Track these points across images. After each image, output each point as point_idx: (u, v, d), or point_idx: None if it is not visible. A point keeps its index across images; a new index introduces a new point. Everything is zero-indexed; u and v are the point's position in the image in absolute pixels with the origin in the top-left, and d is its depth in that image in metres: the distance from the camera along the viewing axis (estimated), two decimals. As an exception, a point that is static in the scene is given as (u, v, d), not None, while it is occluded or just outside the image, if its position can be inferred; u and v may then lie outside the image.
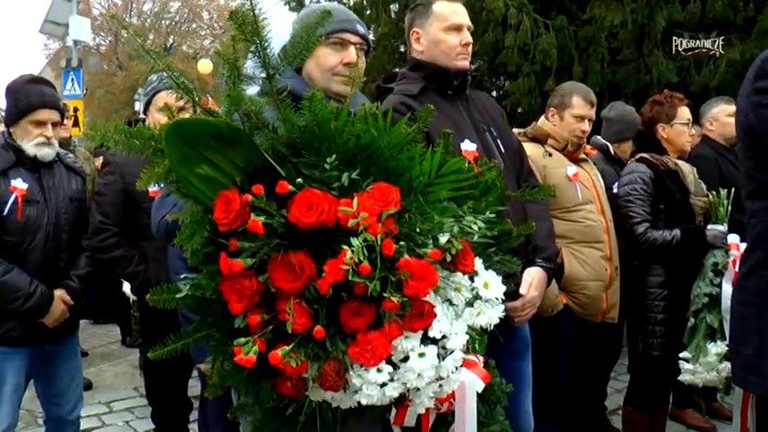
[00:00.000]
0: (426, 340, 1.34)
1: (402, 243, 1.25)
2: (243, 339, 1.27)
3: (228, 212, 1.21)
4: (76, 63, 11.23)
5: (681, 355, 3.01)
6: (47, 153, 2.69)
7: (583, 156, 3.15)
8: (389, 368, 1.30)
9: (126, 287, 4.06)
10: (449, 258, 1.33)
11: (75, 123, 9.52)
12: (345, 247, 1.19)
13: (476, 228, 1.39)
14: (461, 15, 2.28)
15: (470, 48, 2.29)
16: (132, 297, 4.65)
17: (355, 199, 1.23)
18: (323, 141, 1.32)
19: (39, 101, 2.66)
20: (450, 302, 1.41)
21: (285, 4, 8.88)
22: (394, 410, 1.46)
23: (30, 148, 2.65)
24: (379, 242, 1.21)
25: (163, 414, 3.14)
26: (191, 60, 30.17)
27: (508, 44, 6.44)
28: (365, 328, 1.26)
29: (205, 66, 19.60)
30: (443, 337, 1.35)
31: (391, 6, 8.40)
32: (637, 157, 3.29)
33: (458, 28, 2.25)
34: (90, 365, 5.27)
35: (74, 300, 2.70)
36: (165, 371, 2.80)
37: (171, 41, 33.72)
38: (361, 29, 1.80)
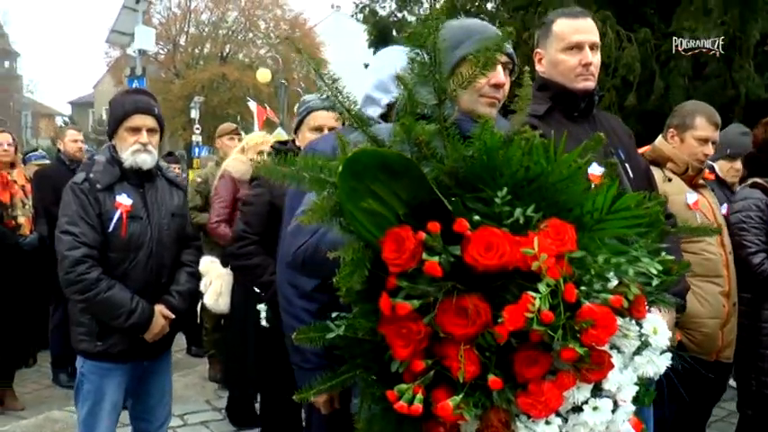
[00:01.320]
0: (596, 391, 1.24)
1: (583, 288, 1.15)
2: (404, 386, 1.18)
3: (401, 252, 1.12)
4: (140, 71, 11.43)
5: (800, 395, 2.81)
6: (144, 160, 2.63)
7: (701, 182, 2.97)
8: (559, 420, 1.20)
9: (206, 298, 4.04)
10: (626, 305, 1.22)
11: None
12: (530, 292, 1.09)
13: (653, 271, 1.27)
14: (582, 33, 2.18)
15: (593, 67, 2.18)
16: (203, 307, 4.65)
17: (536, 239, 1.13)
18: (491, 172, 1.22)
19: (131, 107, 2.65)
20: (618, 350, 1.30)
21: (352, 16, 8.88)
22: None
23: (127, 156, 2.62)
24: (561, 287, 1.11)
25: None
26: (246, 69, 30.72)
27: (591, 58, 6.17)
28: (540, 377, 1.16)
29: (264, 75, 19.84)
30: (617, 388, 1.25)
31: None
32: (749, 182, 3.10)
33: (578, 46, 2.16)
34: (160, 375, 5.28)
35: (174, 315, 2.67)
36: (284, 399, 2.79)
37: (228, 50, 34.42)
38: (507, 47, 1.69)
